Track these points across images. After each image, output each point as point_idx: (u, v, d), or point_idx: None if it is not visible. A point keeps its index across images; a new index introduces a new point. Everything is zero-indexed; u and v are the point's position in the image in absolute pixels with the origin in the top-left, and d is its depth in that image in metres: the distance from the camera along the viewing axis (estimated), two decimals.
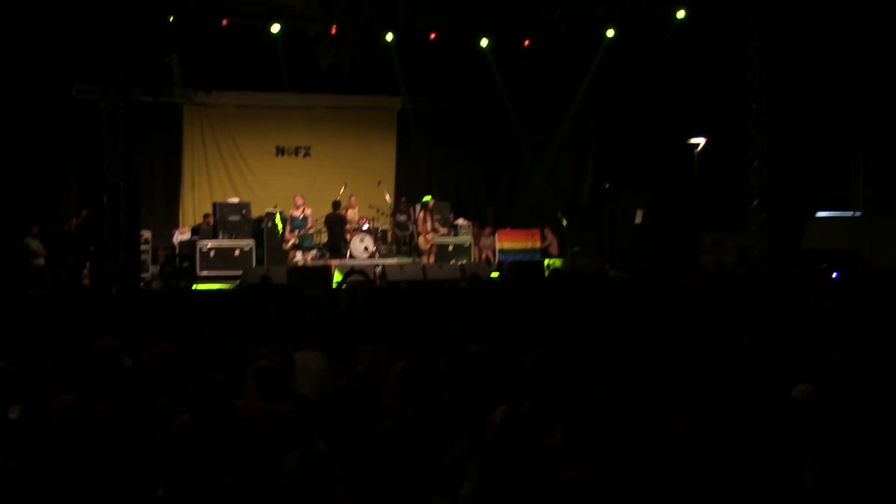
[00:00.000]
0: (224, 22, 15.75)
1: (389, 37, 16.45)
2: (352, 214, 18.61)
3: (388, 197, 19.73)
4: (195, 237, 17.52)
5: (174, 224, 19.03)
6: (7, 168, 15.90)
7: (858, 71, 16.17)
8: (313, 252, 18.06)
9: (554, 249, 19.79)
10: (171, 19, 14.59)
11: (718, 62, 16.79)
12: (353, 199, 18.76)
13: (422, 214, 18.73)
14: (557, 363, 4.84)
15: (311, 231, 18.28)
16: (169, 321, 6.49)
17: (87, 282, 14.78)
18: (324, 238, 18.59)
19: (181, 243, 17.55)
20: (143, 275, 15.82)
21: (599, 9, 16.24)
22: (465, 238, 19.16)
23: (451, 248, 18.84)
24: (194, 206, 19.60)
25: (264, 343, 6.46)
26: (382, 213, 19.37)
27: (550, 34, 16.57)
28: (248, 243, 17.35)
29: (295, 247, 17.90)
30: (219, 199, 18.95)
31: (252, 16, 16.16)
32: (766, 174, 16.54)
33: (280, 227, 17.88)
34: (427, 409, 4.34)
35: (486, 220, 19.98)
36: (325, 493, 3.40)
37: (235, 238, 17.41)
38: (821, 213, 17.61)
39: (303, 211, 18.15)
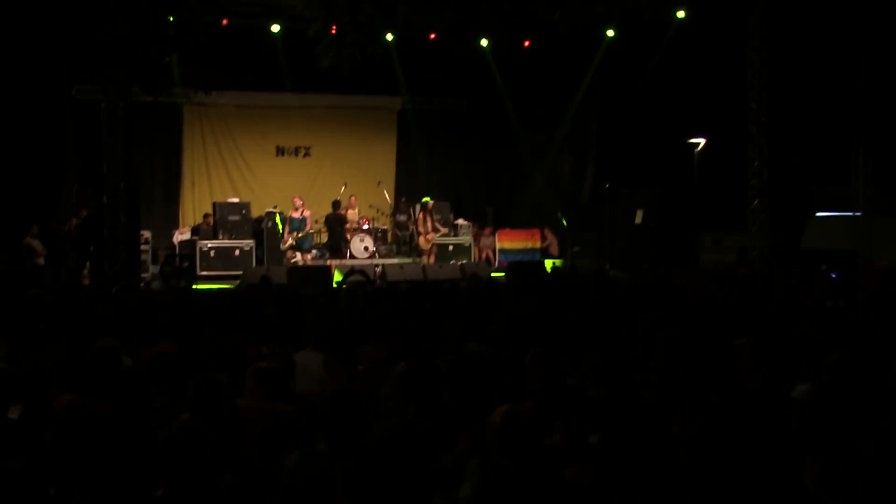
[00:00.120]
0: (224, 22, 15.76)
1: (389, 37, 16.45)
2: (352, 214, 18.62)
3: (388, 197, 19.73)
4: (195, 237, 17.53)
5: (174, 224, 19.03)
6: (7, 168, 15.90)
7: (858, 71, 16.16)
8: (313, 252, 18.06)
9: (554, 249, 19.79)
10: (171, 19, 14.58)
11: (718, 62, 16.78)
12: (353, 199, 18.77)
13: (422, 214, 18.73)
14: (557, 363, 4.84)
15: (311, 231, 18.29)
16: (169, 321, 6.49)
17: (87, 282, 14.77)
18: (324, 238, 18.59)
19: (181, 243, 17.56)
20: (143, 275, 15.82)
21: (599, 9, 16.23)
22: (465, 238, 19.17)
23: (451, 248, 18.85)
24: (194, 206, 19.60)
25: (264, 343, 6.46)
26: (382, 213, 19.37)
27: (550, 34, 16.56)
28: (248, 243, 17.36)
29: (293, 248, 17.89)
30: (219, 199, 18.96)
31: (252, 16, 16.16)
32: (766, 174, 16.53)
33: (280, 227, 17.89)
34: (427, 409, 4.34)
35: (486, 220, 19.99)
36: (325, 493, 3.39)
37: (235, 238, 17.42)
38: (821, 213, 17.61)
39: (301, 212, 18.15)
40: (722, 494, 3.47)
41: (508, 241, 19.65)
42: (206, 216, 18.13)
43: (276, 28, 16.34)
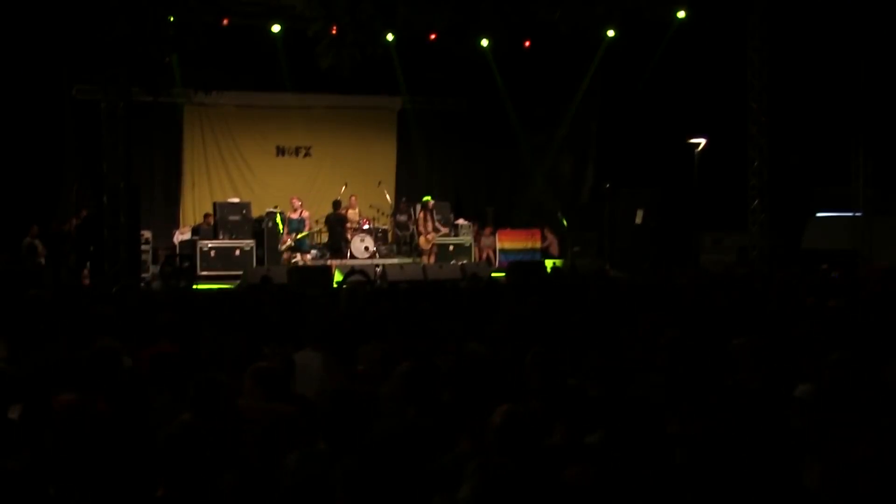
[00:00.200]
0: (224, 22, 15.76)
1: (389, 37, 16.45)
2: (352, 214, 18.62)
3: (388, 197, 19.73)
4: (195, 237, 17.54)
5: (174, 224, 19.04)
6: (7, 168, 15.91)
7: (858, 71, 16.16)
8: (313, 252, 18.06)
9: (554, 249, 19.80)
10: (171, 19, 14.59)
11: (718, 62, 16.79)
12: (353, 199, 18.77)
13: (423, 214, 18.74)
14: (557, 363, 4.84)
15: (311, 231, 18.29)
16: (169, 321, 6.49)
17: (87, 282, 14.78)
18: (324, 238, 18.60)
19: (181, 243, 17.57)
20: (143, 275, 15.82)
21: (599, 9, 16.23)
22: (466, 238, 19.17)
23: (451, 248, 18.85)
24: (194, 206, 19.61)
25: (264, 343, 6.46)
26: (383, 213, 19.37)
27: (550, 34, 16.57)
28: (248, 243, 17.37)
29: (291, 249, 17.88)
30: (219, 199, 18.97)
31: (252, 16, 16.17)
32: (766, 174, 16.53)
33: (281, 227, 17.89)
34: (427, 409, 4.34)
35: (487, 220, 19.99)
36: (325, 493, 3.39)
37: (236, 238, 17.43)
38: (821, 213, 17.60)
39: (300, 213, 18.15)
40: (722, 494, 3.47)
41: (508, 241, 19.66)
42: (206, 216, 18.13)
43: (276, 28, 16.34)
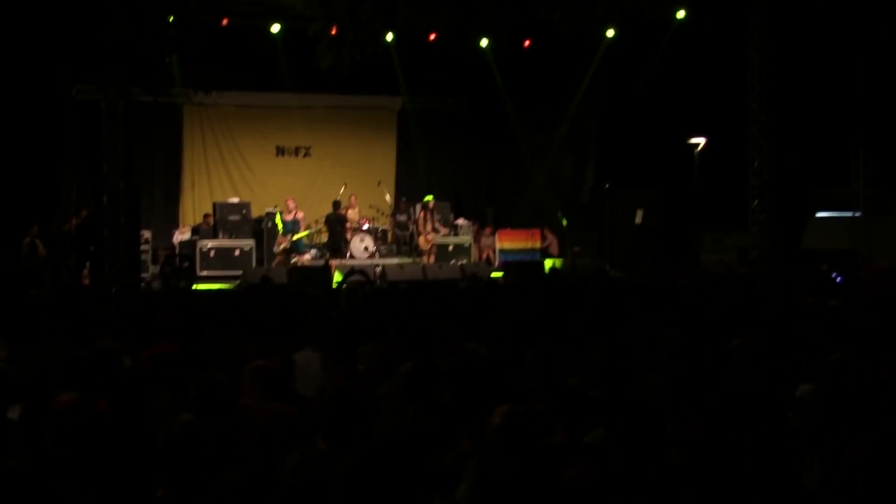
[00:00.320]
0: (224, 22, 15.75)
1: (389, 37, 16.44)
2: (352, 214, 18.62)
3: (388, 197, 19.73)
4: (195, 237, 17.53)
5: (174, 224, 19.04)
6: (7, 168, 15.91)
7: (858, 71, 16.16)
8: (312, 252, 18.05)
9: (554, 249, 19.79)
10: (171, 19, 14.59)
11: (718, 62, 16.78)
12: (353, 198, 18.77)
13: (422, 214, 18.74)
14: (557, 363, 4.84)
15: (312, 231, 18.28)
16: (169, 321, 6.49)
17: (87, 282, 14.78)
18: (324, 238, 18.59)
19: (181, 243, 17.56)
20: (143, 275, 15.83)
21: (599, 9, 16.23)
22: (466, 238, 19.17)
23: (451, 248, 18.84)
24: (194, 206, 19.61)
25: (265, 343, 6.45)
26: (382, 213, 19.37)
27: (550, 34, 16.56)
28: (248, 243, 17.36)
29: (287, 251, 17.82)
30: (219, 199, 18.97)
31: (252, 16, 16.16)
32: (766, 174, 16.54)
33: (280, 227, 17.88)
34: (427, 409, 4.34)
35: (486, 220, 19.99)
36: (325, 493, 3.39)
37: (235, 238, 17.42)
38: (821, 213, 17.60)
39: (294, 214, 18.14)
40: (722, 494, 3.47)
41: (508, 241, 19.65)
42: (206, 216, 18.13)
43: (276, 28, 16.33)
